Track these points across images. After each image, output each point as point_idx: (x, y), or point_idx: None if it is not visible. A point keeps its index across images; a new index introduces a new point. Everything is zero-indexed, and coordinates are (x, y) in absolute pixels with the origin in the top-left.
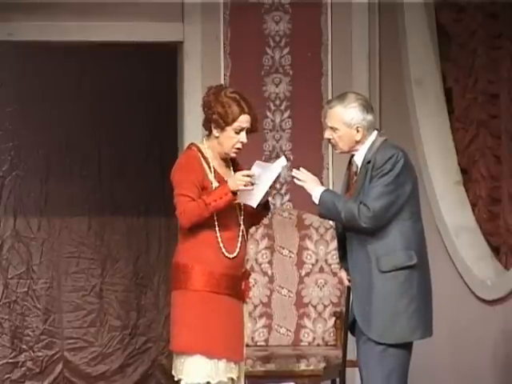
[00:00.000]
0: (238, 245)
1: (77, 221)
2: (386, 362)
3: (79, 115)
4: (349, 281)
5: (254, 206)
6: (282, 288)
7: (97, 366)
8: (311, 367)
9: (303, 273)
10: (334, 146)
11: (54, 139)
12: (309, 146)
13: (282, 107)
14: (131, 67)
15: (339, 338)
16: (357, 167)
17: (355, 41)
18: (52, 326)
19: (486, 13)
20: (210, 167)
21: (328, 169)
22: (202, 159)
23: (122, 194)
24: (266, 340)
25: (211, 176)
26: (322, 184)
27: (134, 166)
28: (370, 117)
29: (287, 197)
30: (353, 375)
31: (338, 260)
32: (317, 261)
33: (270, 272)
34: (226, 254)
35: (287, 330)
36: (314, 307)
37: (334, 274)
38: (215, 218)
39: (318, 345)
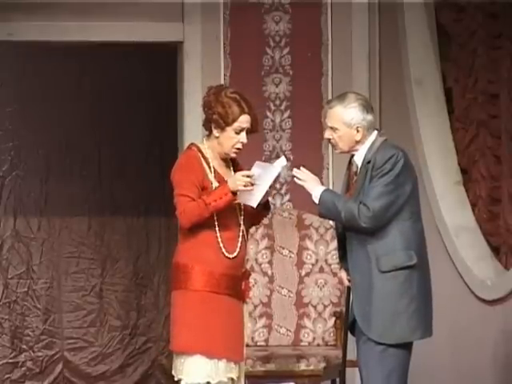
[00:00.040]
0: (238, 245)
1: (77, 221)
2: (386, 361)
3: (79, 115)
4: (349, 281)
5: (254, 206)
6: (282, 288)
7: (97, 365)
8: (311, 367)
9: (303, 273)
10: (334, 146)
11: (54, 139)
12: (309, 146)
13: (282, 107)
14: (131, 67)
15: (339, 337)
16: (357, 167)
17: (355, 41)
18: (52, 326)
19: (486, 13)
20: (210, 167)
21: (328, 169)
22: (202, 159)
23: (122, 194)
24: (266, 340)
25: (211, 176)
26: (322, 184)
27: (134, 165)
28: (369, 117)
29: (287, 197)
30: (353, 375)
31: (337, 260)
32: (317, 261)
33: (270, 272)
34: (226, 254)
35: (287, 329)
36: (314, 307)
37: (334, 274)
38: (215, 218)
39: (318, 345)
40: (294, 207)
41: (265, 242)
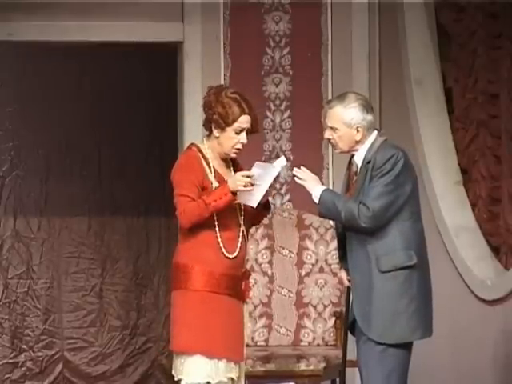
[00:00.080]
0: (238, 245)
1: (77, 221)
2: (385, 362)
3: (79, 115)
4: (349, 281)
5: (254, 206)
6: (282, 288)
7: (97, 365)
8: (311, 367)
9: (303, 273)
10: (334, 146)
11: (54, 139)
12: (309, 146)
13: (282, 107)
14: (131, 67)
15: (339, 337)
16: (357, 167)
17: (355, 41)
18: (52, 326)
19: (486, 13)
20: (210, 167)
21: (328, 169)
22: (202, 159)
23: (122, 194)
24: (266, 340)
25: (211, 176)
26: (322, 184)
27: (134, 165)
28: (370, 117)
29: (287, 197)
30: (353, 375)
31: (338, 260)
32: (317, 261)
33: (270, 272)
34: (226, 254)
35: (287, 329)
36: (314, 307)
37: (334, 274)
38: (215, 218)
39: (318, 345)
40: (294, 207)
41: (265, 242)
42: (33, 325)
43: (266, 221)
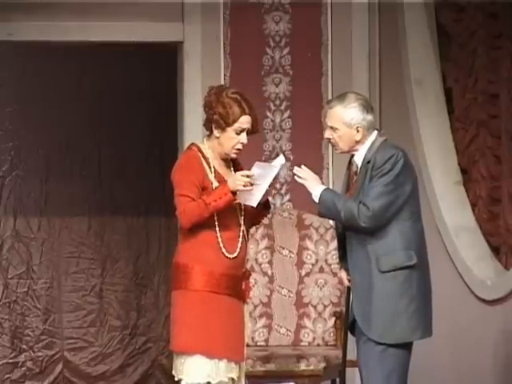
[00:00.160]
0: (239, 245)
1: (77, 221)
2: (385, 362)
3: (79, 115)
4: (349, 281)
5: (254, 205)
6: (282, 288)
7: (97, 365)
8: (311, 367)
9: (303, 273)
10: (334, 146)
11: (54, 139)
12: (309, 146)
13: (282, 107)
14: (131, 67)
15: (339, 337)
16: (357, 167)
17: (355, 41)
18: (52, 326)
19: (486, 13)
20: (210, 167)
21: (328, 169)
22: (202, 159)
23: (122, 194)
24: (266, 340)
25: (211, 176)
26: (323, 183)
27: (134, 165)
28: (370, 117)
29: (287, 197)
30: (353, 375)
31: (338, 260)
32: (317, 261)
33: (270, 272)
34: (227, 254)
35: (287, 329)
36: (314, 307)
37: (334, 274)
38: (215, 218)
39: (318, 345)
40: (294, 207)
41: (265, 242)
42: (33, 325)
43: (266, 221)
